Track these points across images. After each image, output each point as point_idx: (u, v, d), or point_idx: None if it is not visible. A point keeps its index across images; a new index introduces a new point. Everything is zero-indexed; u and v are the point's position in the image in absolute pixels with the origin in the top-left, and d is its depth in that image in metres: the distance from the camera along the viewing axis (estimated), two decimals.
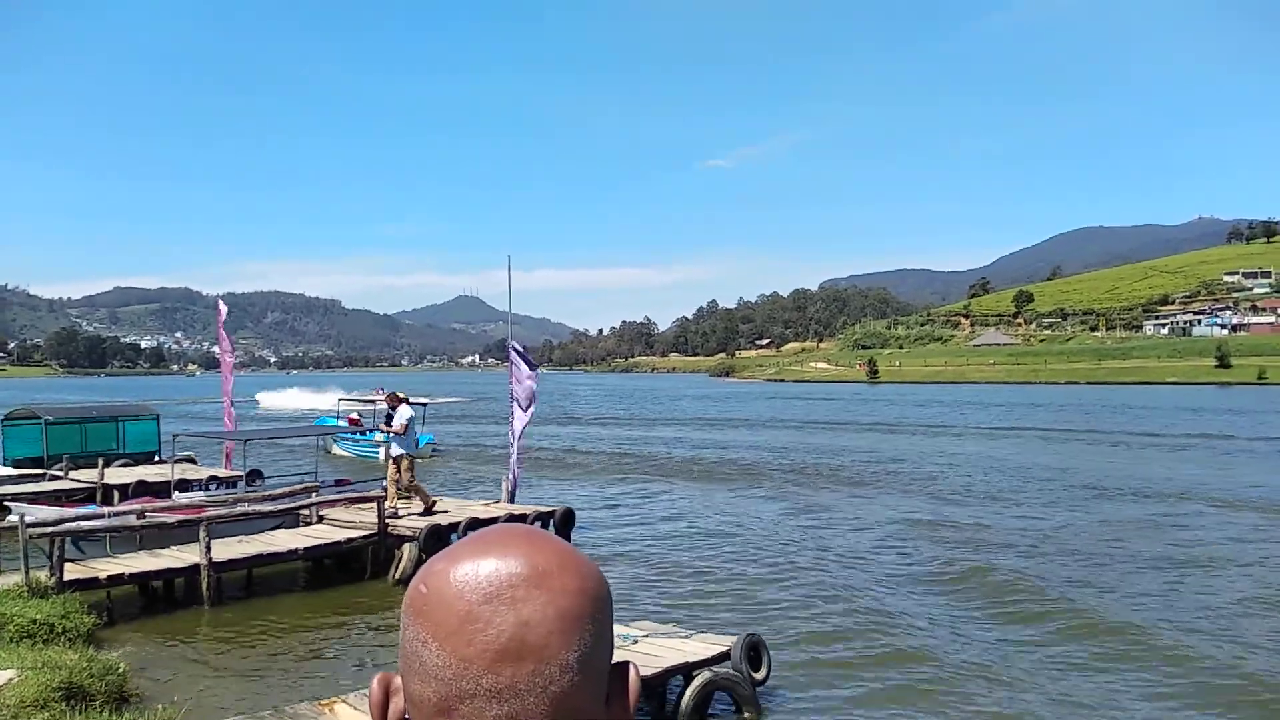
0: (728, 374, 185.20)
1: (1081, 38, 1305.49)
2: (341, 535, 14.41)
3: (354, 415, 31.60)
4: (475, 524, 15.20)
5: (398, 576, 13.93)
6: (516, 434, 17.55)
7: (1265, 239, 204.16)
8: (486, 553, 0.79)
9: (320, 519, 15.29)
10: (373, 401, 28.35)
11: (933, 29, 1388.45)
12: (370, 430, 25.39)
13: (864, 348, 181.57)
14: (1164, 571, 14.26)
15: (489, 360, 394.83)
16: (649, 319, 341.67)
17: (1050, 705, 8.91)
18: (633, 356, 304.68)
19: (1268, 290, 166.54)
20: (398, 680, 0.80)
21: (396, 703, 0.80)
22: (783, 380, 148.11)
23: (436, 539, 14.31)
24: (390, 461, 16.03)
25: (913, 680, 9.61)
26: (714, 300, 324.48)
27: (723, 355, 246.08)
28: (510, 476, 17.48)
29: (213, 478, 20.55)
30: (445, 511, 16.00)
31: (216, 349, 26.92)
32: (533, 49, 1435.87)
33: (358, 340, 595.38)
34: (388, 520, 14.62)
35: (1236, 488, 23.04)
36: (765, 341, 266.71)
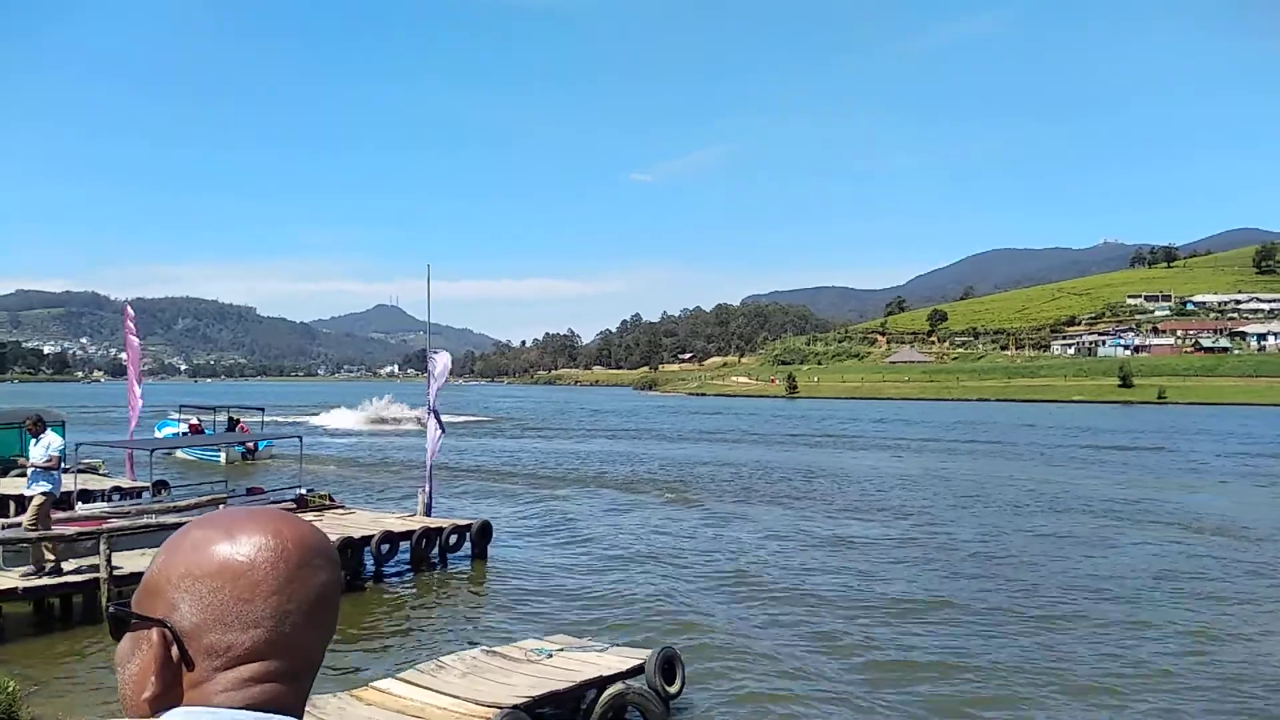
0: (651, 387, 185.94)
1: (995, 65, 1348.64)
2: None
3: (194, 421, 32.89)
4: (389, 537, 15.01)
5: None
6: (432, 446, 17.41)
7: (1166, 264, 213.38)
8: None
9: None
10: (213, 409, 31.42)
11: (852, 49, 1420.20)
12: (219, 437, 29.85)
13: (784, 363, 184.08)
14: (1054, 569, 14.79)
15: (408, 371, 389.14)
16: (573, 331, 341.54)
17: (964, 707, 9.15)
18: (556, 369, 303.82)
19: (1168, 313, 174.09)
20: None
21: (175, 652, 0.96)
22: (704, 394, 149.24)
23: (349, 553, 14.09)
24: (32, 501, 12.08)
25: (824, 693, 9.77)
26: (638, 314, 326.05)
27: (646, 368, 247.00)
28: (426, 489, 17.30)
29: (116, 488, 19.88)
30: (392, 520, 15.76)
31: (124, 355, 26.11)
32: (458, 60, 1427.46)
33: (273, 349, 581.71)
34: None
35: (1131, 500, 24.00)
36: (688, 355, 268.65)
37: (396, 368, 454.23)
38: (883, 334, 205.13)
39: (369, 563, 14.93)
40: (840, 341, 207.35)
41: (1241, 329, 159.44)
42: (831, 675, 10.28)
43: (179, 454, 32.55)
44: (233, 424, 33.07)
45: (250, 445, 32.92)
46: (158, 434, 33.25)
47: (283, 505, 16.08)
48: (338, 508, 17.94)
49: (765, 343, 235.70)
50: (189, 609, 0.95)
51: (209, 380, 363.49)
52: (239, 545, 0.97)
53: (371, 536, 14.67)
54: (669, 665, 9.12)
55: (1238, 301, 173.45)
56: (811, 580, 15.01)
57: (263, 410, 28.85)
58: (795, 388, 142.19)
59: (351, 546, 14.17)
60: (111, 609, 0.99)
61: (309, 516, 15.92)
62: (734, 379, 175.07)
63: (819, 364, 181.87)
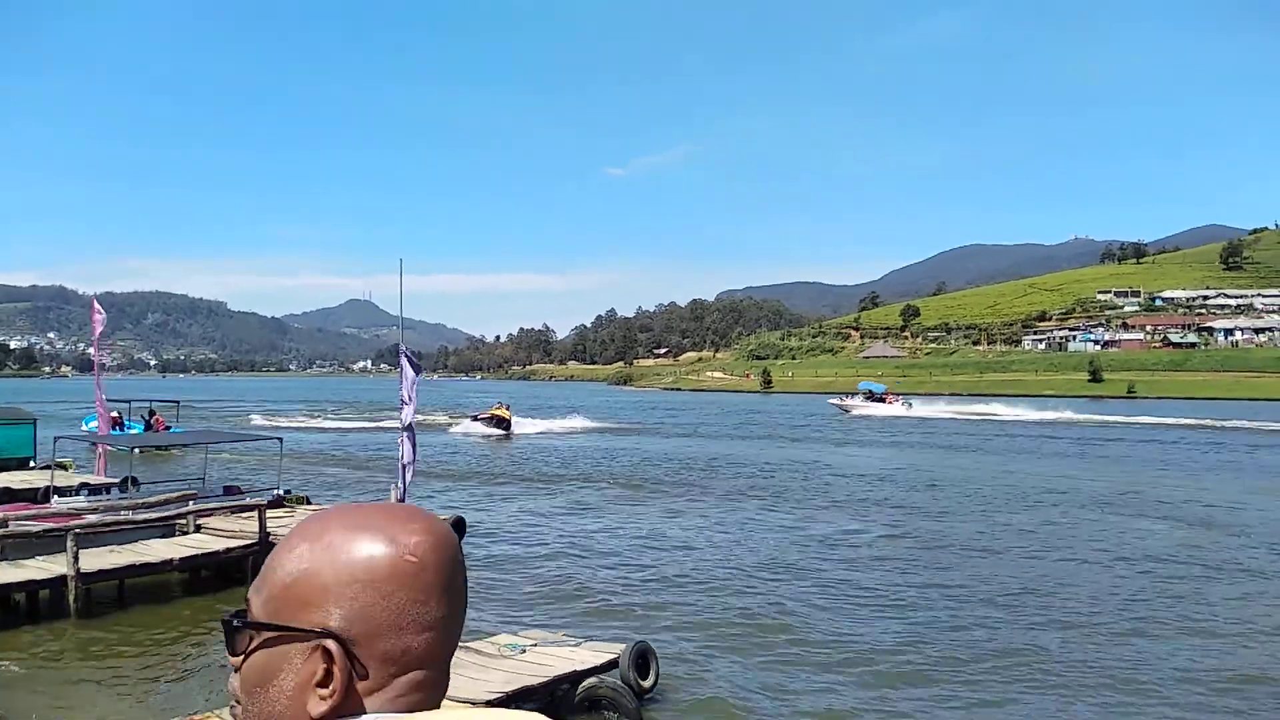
0: (626, 382, 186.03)
1: (966, 64, 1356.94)
2: (221, 545, 13.94)
3: (115, 414, 33.09)
4: None
5: None
6: (405, 440, 17.27)
7: (1135, 260, 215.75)
8: (418, 522, 0.98)
9: (198, 528, 14.76)
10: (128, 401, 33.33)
11: (826, 48, 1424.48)
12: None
13: (759, 358, 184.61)
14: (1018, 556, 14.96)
15: (381, 366, 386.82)
16: (548, 326, 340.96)
17: (941, 698, 9.22)
18: (530, 364, 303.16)
19: (1137, 309, 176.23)
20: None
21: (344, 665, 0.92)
22: (680, 389, 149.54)
23: None
24: None
25: (797, 686, 9.81)
26: (613, 309, 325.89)
27: (621, 364, 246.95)
28: (399, 484, 17.18)
29: (85, 485, 19.62)
30: None
31: (92, 350, 25.80)
32: (433, 56, 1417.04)
33: (244, 343, 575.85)
34: (269, 530, 14.20)
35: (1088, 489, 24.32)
36: (663, 350, 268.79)
37: (369, 363, 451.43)
38: (856, 329, 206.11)
39: None
40: (815, 337, 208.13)
41: (1209, 324, 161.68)
42: (805, 669, 10.32)
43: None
44: (149, 416, 34.58)
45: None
46: (84, 428, 33.71)
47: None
48: (314, 509, 17.82)
49: (740, 338, 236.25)
50: (358, 616, 0.92)
51: (180, 375, 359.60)
52: (404, 547, 0.94)
53: None
54: (643, 660, 9.12)
55: (1205, 297, 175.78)
56: (786, 574, 15.07)
57: (178, 404, 33.61)
58: (770, 383, 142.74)
59: None
60: (238, 623, 0.96)
61: (281, 512, 15.82)
62: (709, 374, 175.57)
63: (794, 359, 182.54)
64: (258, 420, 56.77)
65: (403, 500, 17.01)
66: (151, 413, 34.69)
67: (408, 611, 0.93)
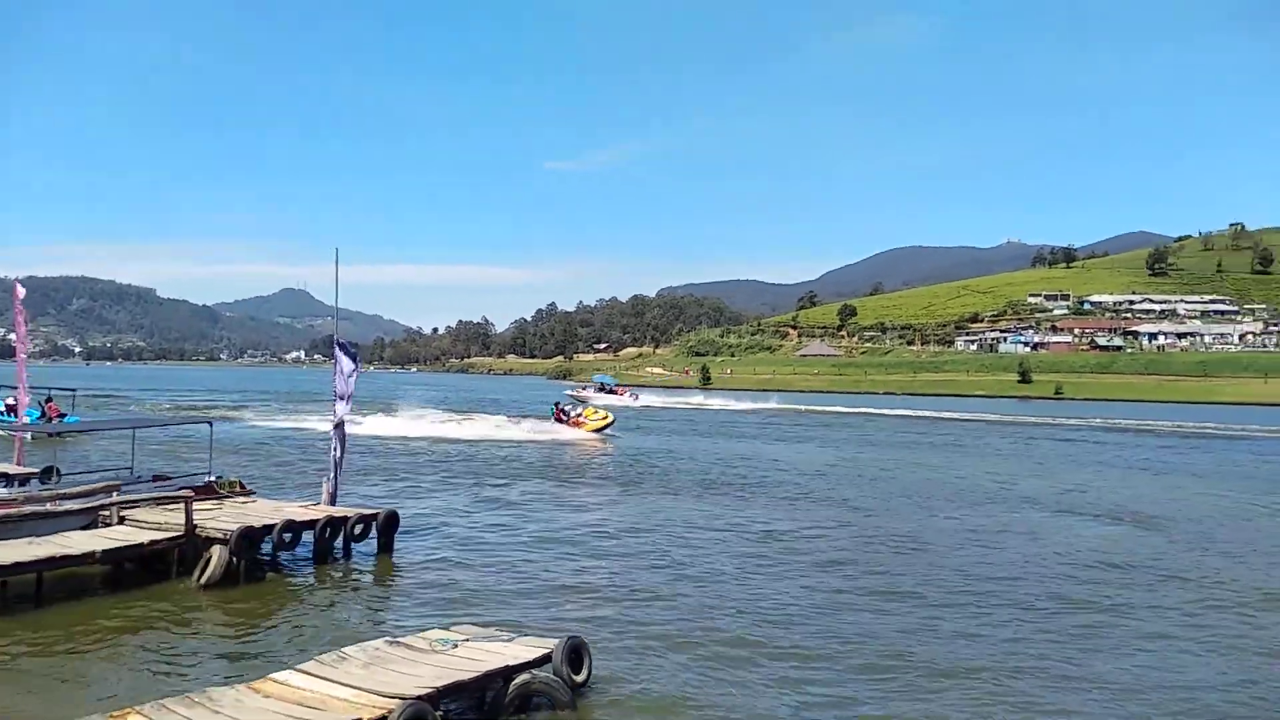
0: (565, 377, 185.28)
1: (907, 69, 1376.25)
2: (145, 537, 13.58)
3: (10, 401, 33.46)
4: (292, 526, 14.65)
5: (203, 580, 13.21)
6: (338, 433, 17.05)
7: (1065, 264, 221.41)
8: None
9: (121, 520, 14.38)
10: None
11: (768, 50, 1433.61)
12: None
13: (698, 354, 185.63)
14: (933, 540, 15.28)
15: (315, 357, 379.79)
16: (487, 319, 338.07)
17: (872, 684, 9.37)
18: (469, 357, 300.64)
19: (1065, 312, 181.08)
20: None
21: None
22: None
23: (249, 542, 13.72)
24: None
25: (733, 679, 9.89)
26: (554, 303, 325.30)
27: (561, 358, 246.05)
28: (331, 477, 16.95)
29: (2, 474, 18.99)
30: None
31: (13, 336, 25.00)
32: (377, 44, 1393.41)
33: (173, 331, 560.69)
34: (196, 522, 13.88)
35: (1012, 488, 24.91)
36: (603, 346, 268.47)
37: (303, 353, 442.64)
38: (794, 328, 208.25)
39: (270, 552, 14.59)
40: (754, 334, 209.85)
41: (1134, 328, 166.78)
42: (740, 663, 10.40)
43: None
44: (45, 403, 34.47)
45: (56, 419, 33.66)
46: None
47: (193, 489, 15.57)
48: (247, 494, 17.47)
49: (680, 334, 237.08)
50: None
51: (107, 364, 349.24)
52: None
53: (273, 525, 14.30)
54: (576, 654, 9.12)
55: (1131, 302, 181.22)
56: (722, 568, 15.18)
57: (74, 391, 34.58)
58: (709, 379, 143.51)
59: (252, 536, 13.78)
60: None
61: (209, 504, 15.48)
62: (649, 370, 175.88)
63: (732, 356, 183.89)
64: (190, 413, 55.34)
65: (334, 497, 16.80)
66: (48, 399, 34.22)
67: None
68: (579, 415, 46.86)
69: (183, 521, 13.79)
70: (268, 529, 14.21)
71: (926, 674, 10.17)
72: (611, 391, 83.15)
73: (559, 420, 45.89)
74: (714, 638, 11.29)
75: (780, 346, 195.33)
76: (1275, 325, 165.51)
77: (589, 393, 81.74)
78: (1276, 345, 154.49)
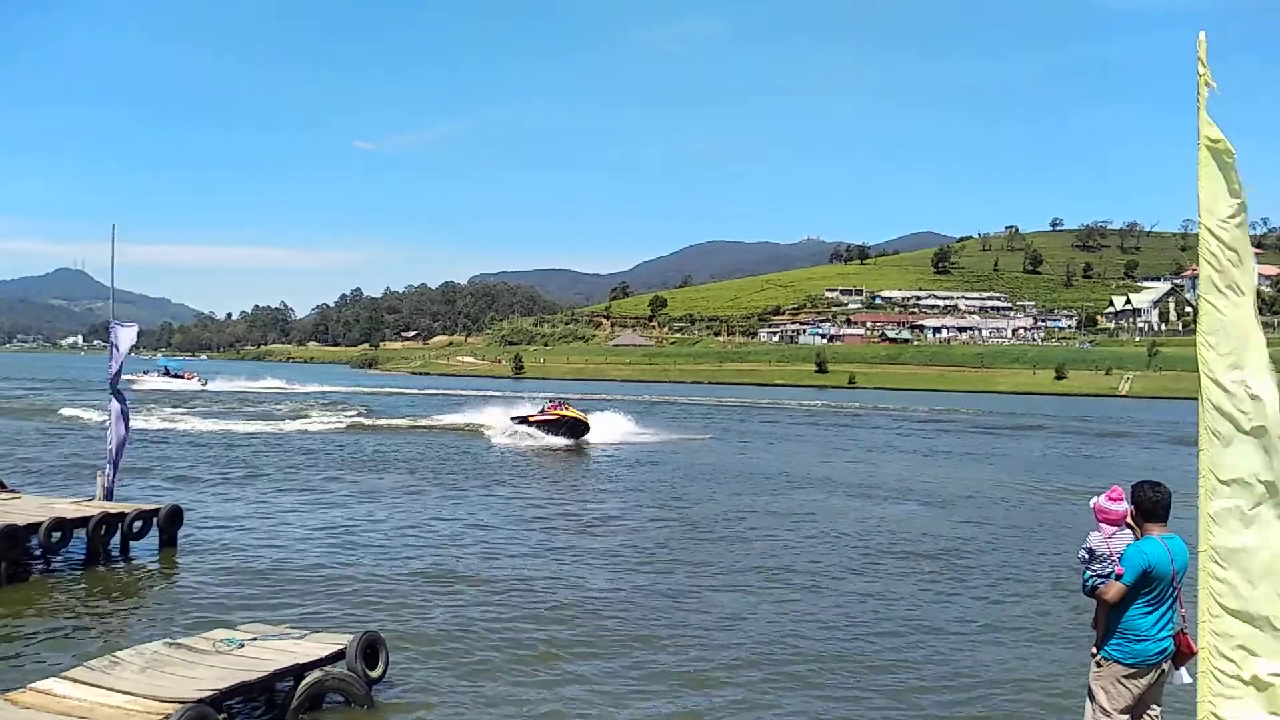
0: (371, 365, 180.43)
1: (711, 65, 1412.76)
2: None
3: None
4: (61, 524, 13.55)
5: None
6: (115, 423, 15.87)
7: (860, 261, 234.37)
8: None
9: None
10: None
11: (581, 42, 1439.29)
12: None
13: (511, 343, 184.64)
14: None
15: (95, 342, 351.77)
16: (286, 304, 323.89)
17: (683, 663, 9.59)
18: (266, 343, 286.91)
19: (859, 306, 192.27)
20: None
21: None
22: (429, 373, 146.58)
23: (12, 543, 12.58)
24: None
25: (532, 673, 9.90)
26: (359, 288, 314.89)
27: (366, 346, 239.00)
28: (108, 470, 15.77)
29: None
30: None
31: None
32: (169, 8, 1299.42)
33: None
34: None
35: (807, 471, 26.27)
36: (412, 333, 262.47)
37: (81, 339, 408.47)
38: (608, 318, 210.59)
39: (37, 554, 13.45)
40: (567, 324, 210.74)
41: (920, 322, 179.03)
42: (540, 656, 10.42)
43: None
44: None
45: None
46: None
47: None
48: (10, 491, 15.98)
49: (493, 323, 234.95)
50: None
51: None
52: None
53: (39, 524, 13.17)
54: (371, 649, 8.89)
55: (918, 298, 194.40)
56: (518, 559, 15.18)
57: None
58: (521, 368, 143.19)
59: (15, 535, 12.64)
60: None
61: None
62: (460, 358, 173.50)
63: (546, 345, 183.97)
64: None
65: (110, 490, 15.64)
66: None
67: None
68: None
69: None
70: (33, 528, 13.08)
71: (704, 662, 10.53)
72: (176, 376, 77.24)
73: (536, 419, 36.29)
74: (513, 629, 11.28)
75: (594, 336, 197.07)
76: (1043, 321, 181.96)
77: (150, 377, 74.18)
78: (1044, 339, 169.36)
